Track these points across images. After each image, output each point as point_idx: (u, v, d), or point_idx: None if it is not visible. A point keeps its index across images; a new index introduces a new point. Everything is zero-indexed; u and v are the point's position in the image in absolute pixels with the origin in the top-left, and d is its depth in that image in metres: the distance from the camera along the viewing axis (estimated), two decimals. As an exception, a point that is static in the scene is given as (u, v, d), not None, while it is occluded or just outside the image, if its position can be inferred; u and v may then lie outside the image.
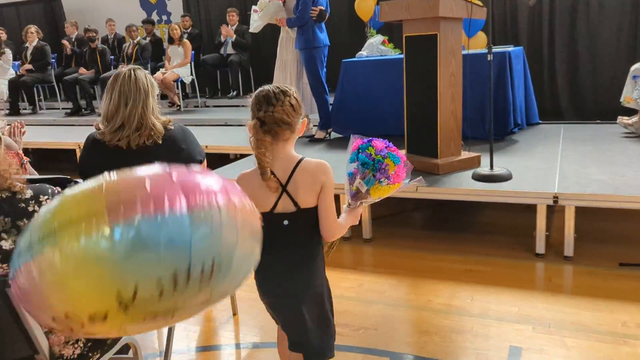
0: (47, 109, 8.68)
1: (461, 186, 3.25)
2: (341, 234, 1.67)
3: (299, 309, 1.62)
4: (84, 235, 0.96)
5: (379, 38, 5.36)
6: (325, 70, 5.08)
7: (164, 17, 9.76)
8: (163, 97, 7.84)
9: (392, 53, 5.34)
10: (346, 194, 1.73)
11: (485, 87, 4.45)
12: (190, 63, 7.67)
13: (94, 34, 7.65)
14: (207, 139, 5.50)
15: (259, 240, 1.15)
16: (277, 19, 4.99)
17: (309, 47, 4.88)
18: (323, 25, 4.98)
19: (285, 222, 1.56)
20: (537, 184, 3.15)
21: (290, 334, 1.71)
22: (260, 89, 1.59)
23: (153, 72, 7.66)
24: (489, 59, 3.24)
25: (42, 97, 8.67)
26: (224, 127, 6.27)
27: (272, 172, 1.55)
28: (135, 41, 7.69)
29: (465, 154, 3.71)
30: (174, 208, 1.00)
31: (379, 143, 1.69)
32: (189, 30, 8.42)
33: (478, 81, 4.36)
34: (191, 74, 7.68)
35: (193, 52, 7.71)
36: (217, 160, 5.68)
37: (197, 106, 7.85)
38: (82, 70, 7.81)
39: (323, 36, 4.95)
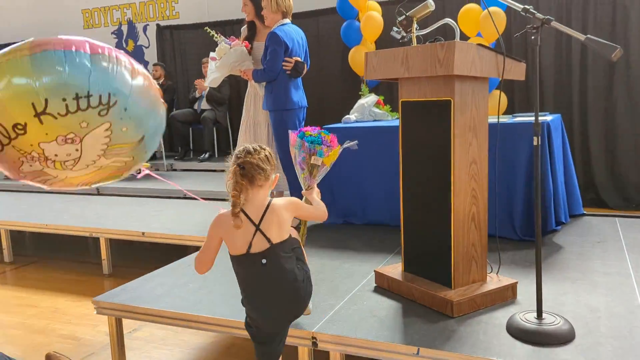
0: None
1: (491, 352, 1.95)
2: (323, 205, 2.06)
3: (285, 328, 1.92)
4: (8, 60, 1.43)
5: (372, 98, 4.22)
6: (301, 138, 3.91)
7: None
8: (123, 158, 6.69)
9: (388, 118, 4.18)
10: (303, 182, 2.23)
11: (514, 171, 3.26)
12: (156, 120, 6.55)
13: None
14: (152, 222, 4.25)
15: (159, 102, 1.73)
16: (242, 70, 3.87)
17: (278, 109, 3.73)
18: (299, 81, 3.84)
19: (264, 261, 1.72)
20: (621, 354, 1.86)
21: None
22: (238, 150, 1.79)
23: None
24: (535, 142, 2.02)
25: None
26: (181, 203, 5.05)
27: (245, 213, 1.74)
28: (93, 93, 6.61)
29: (492, 279, 2.44)
30: (79, 49, 1.44)
31: (308, 128, 2.33)
32: (160, 82, 7.38)
33: (504, 160, 3.16)
34: (156, 133, 6.55)
35: (159, 107, 6.62)
36: (164, 252, 4.45)
37: (163, 169, 6.68)
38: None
39: (299, 96, 3.80)
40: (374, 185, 3.77)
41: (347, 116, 4.11)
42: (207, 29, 4.01)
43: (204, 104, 6.96)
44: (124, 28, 8.76)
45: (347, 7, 5.91)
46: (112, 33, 8.84)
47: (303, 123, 3.87)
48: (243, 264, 1.75)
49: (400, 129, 2.54)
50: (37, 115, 1.42)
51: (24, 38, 8.07)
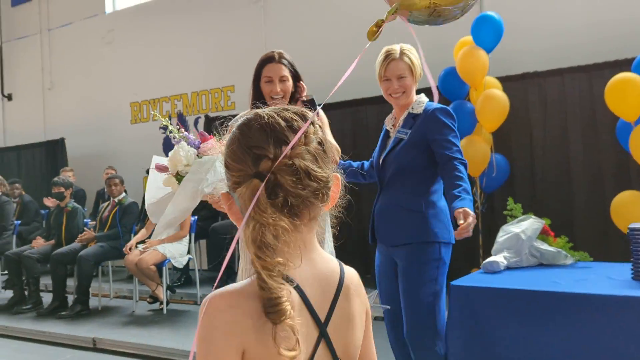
0: None
1: None
2: None
3: None
4: None
5: (532, 224, 2.31)
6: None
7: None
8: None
9: (568, 261, 2.25)
10: None
11: None
12: (190, 235, 4.94)
13: (62, 189, 5.23)
14: None
15: None
16: (212, 196, 1.86)
17: (437, 240, 2.04)
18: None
19: None
20: None
21: None
22: (246, 115, 0.86)
23: (136, 244, 4.97)
24: None
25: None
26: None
27: (302, 292, 0.79)
28: (116, 200, 5.16)
29: None
30: None
31: None
32: (205, 185, 5.87)
33: None
34: (189, 252, 4.91)
35: (196, 217, 5.03)
36: None
37: (196, 302, 4.95)
38: (37, 241, 5.28)
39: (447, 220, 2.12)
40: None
41: (492, 259, 2.20)
42: (156, 114, 2.22)
43: (256, 214, 5.31)
44: (174, 121, 7.58)
45: (455, 83, 4.24)
46: (160, 128, 7.69)
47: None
48: None
49: None
50: None
51: (73, 134, 6.28)
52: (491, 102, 3.93)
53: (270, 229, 0.74)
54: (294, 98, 2.20)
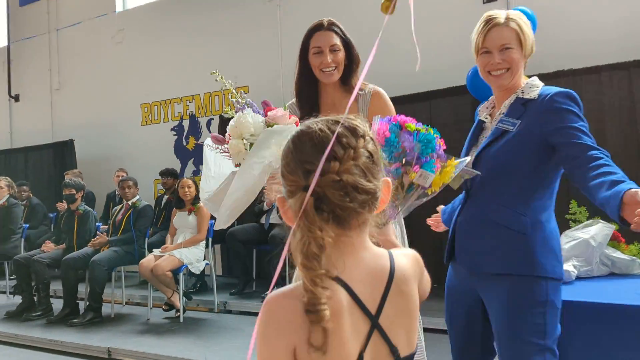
0: None
1: None
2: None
3: None
4: None
5: (601, 229, 2.10)
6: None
7: (202, 168, 7.26)
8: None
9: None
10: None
11: None
12: (207, 240, 4.75)
13: (73, 191, 5.04)
14: None
15: None
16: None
17: (524, 275, 1.51)
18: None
19: None
20: None
21: None
22: (300, 128, 0.91)
23: (150, 248, 4.78)
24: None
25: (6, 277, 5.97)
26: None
27: (348, 288, 0.85)
28: (130, 202, 4.96)
29: None
30: None
31: (403, 118, 1.38)
32: (220, 187, 5.68)
33: None
34: (205, 258, 4.71)
35: (212, 221, 4.83)
36: None
37: (213, 310, 4.74)
38: (47, 245, 5.08)
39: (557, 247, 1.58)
40: None
41: (566, 267, 2.00)
42: (215, 72, 1.92)
43: (274, 217, 5.12)
44: (185, 123, 7.40)
45: (484, 82, 4.00)
46: (171, 129, 7.50)
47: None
48: None
49: None
50: None
51: (82, 136, 5.95)
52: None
53: (317, 240, 0.81)
54: (348, 70, 1.93)
